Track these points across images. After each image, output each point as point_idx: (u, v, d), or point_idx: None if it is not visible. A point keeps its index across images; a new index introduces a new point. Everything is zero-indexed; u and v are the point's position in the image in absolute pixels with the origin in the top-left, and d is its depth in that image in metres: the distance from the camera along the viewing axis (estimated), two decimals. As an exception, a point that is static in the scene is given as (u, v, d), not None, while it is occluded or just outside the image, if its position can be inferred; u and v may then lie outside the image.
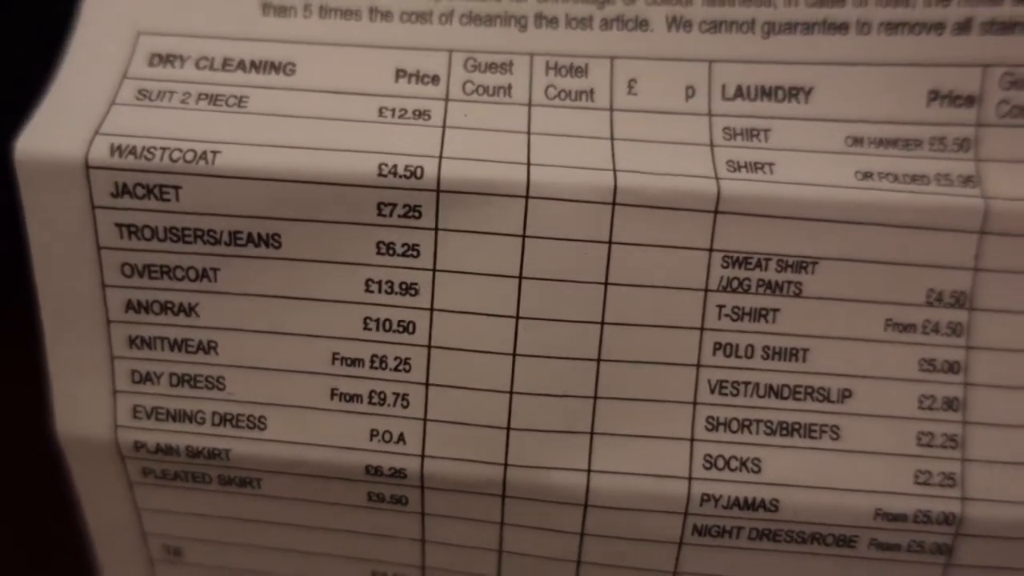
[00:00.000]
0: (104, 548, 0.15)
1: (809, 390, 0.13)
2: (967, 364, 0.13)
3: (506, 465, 0.13)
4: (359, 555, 0.14)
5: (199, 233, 0.13)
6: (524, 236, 0.13)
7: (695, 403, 0.13)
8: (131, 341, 0.13)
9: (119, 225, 0.13)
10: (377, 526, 0.14)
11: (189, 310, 0.13)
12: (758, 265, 0.13)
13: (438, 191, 0.12)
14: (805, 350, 0.13)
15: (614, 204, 0.13)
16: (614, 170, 0.13)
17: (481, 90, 0.13)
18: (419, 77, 0.13)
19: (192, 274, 0.13)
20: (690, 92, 0.13)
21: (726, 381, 0.13)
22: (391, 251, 0.13)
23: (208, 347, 0.13)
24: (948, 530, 0.13)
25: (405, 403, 0.13)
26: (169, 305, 0.13)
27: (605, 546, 0.14)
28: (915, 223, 0.13)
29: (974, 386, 0.13)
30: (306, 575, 0.15)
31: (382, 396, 0.13)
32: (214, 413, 0.13)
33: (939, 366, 0.13)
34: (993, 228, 0.13)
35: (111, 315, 0.13)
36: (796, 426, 0.13)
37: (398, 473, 0.13)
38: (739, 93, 0.13)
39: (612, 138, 0.13)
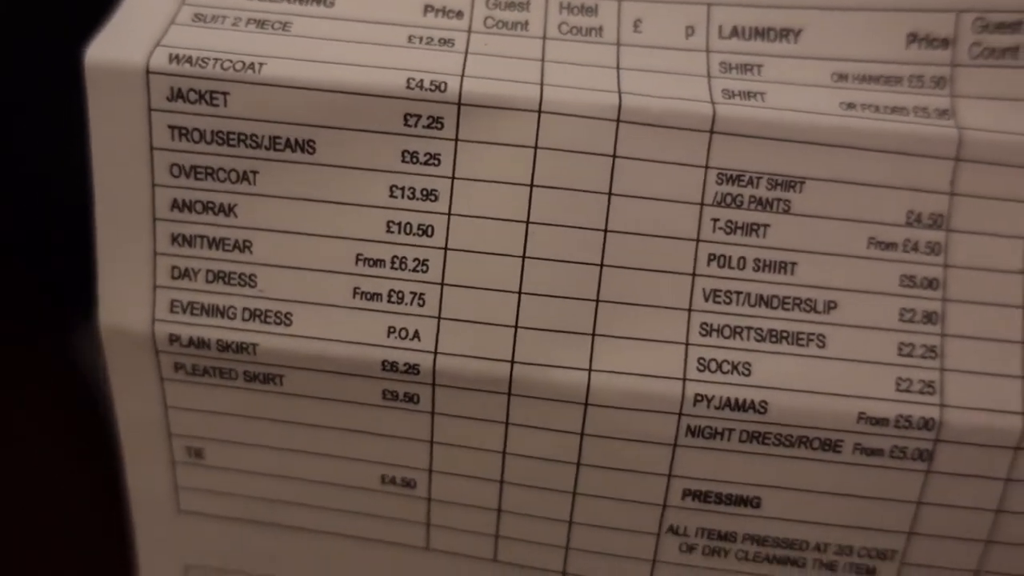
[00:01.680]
0: (131, 448, 0.16)
1: (797, 301, 0.14)
2: (945, 281, 0.14)
3: (512, 362, 0.14)
4: (370, 458, 0.15)
5: (242, 137, 0.14)
6: (536, 148, 0.14)
7: (690, 310, 0.14)
8: (173, 238, 0.14)
9: (172, 127, 0.14)
10: (389, 427, 0.15)
11: (228, 210, 0.14)
12: (750, 183, 0.14)
13: (459, 104, 0.14)
14: (793, 263, 0.14)
15: (618, 121, 0.14)
16: (619, 92, 0.14)
17: (500, 24, 0.15)
18: (445, 12, 0.15)
19: (233, 176, 0.14)
20: (690, 31, 0.15)
21: (719, 290, 0.14)
22: (415, 159, 0.14)
23: (243, 246, 0.14)
24: (928, 436, 0.14)
25: (421, 302, 0.14)
26: (210, 205, 0.14)
27: (604, 448, 0.15)
28: (895, 149, 0.14)
29: (951, 301, 0.14)
30: (319, 479, 0.16)
31: (400, 295, 0.14)
32: (244, 309, 0.15)
33: (919, 282, 0.14)
34: (967, 156, 0.14)
35: (158, 213, 0.14)
36: (784, 334, 0.14)
37: (412, 369, 0.14)
38: (735, 33, 0.15)
39: (618, 68, 0.14)
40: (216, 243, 0.15)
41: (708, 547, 0.15)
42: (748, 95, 0.14)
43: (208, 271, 0.15)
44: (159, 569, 0.17)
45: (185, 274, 0.15)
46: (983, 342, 0.14)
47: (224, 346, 0.15)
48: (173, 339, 0.15)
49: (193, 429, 0.16)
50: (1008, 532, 0.14)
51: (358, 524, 0.16)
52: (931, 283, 0.14)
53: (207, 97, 0.14)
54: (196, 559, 0.17)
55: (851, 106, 0.14)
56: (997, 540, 0.15)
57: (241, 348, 0.15)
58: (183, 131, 0.14)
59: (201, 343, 0.15)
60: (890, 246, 0.14)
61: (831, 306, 0.14)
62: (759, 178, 0.14)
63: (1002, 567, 0.15)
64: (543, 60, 0.14)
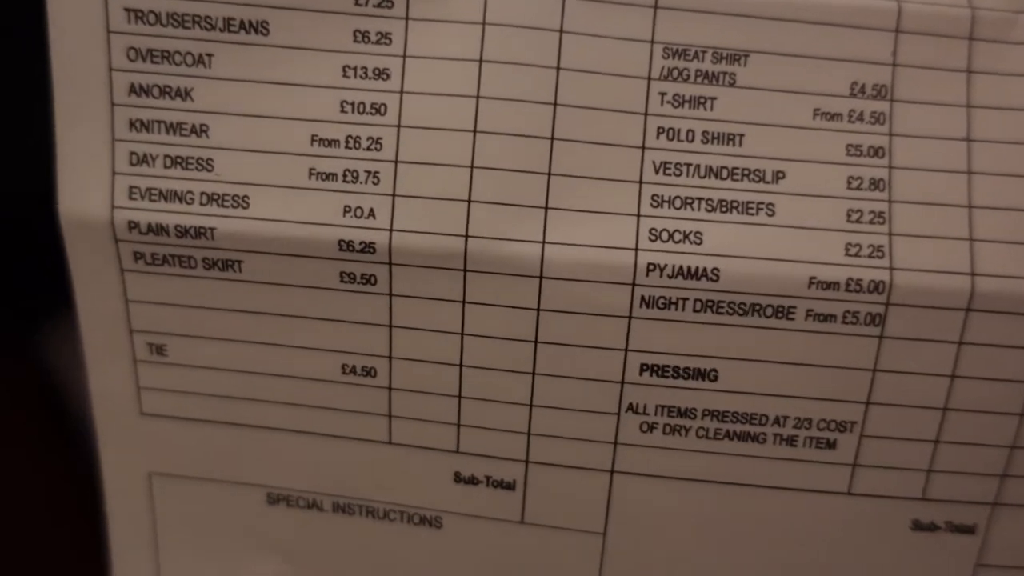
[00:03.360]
0: (93, 350, 0.16)
1: (745, 171, 0.14)
2: (891, 149, 0.14)
3: (467, 236, 0.14)
4: (331, 346, 0.15)
5: (197, 19, 0.14)
6: (484, 24, 0.14)
7: (641, 182, 0.14)
8: (131, 124, 0.15)
9: (127, 10, 0.14)
10: (348, 312, 0.15)
11: (185, 94, 0.15)
12: (695, 56, 0.14)
13: (409, -17, 0.14)
14: (741, 135, 0.14)
15: (564, -3, 0.14)
16: (565, -29, 0.14)
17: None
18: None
19: (189, 59, 0.14)
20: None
21: (669, 162, 0.14)
22: (366, 39, 0.14)
23: (200, 130, 0.15)
24: (879, 299, 0.14)
25: (376, 180, 0.14)
26: (167, 89, 0.15)
27: (560, 323, 0.15)
28: (837, 21, 0.14)
29: (897, 169, 0.14)
30: (280, 372, 0.16)
31: (355, 174, 0.15)
32: (202, 193, 0.15)
33: (865, 151, 0.14)
34: (908, 28, 0.14)
35: (115, 98, 0.15)
36: (734, 203, 0.14)
37: (368, 248, 0.14)
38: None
39: (565, -49, 0.15)
40: (173, 128, 0.15)
41: (668, 425, 0.15)
42: (692, -26, 0.15)
43: (166, 156, 0.15)
44: (122, 478, 0.17)
45: (143, 160, 0.15)
46: (930, 207, 0.14)
47: (182, 231, 0.15)
48: (132, 226, 0.15)
49: (154, 324, 0.16)
50: (963, 398, 0.14)
51: (320, 420, 0.16)
52: (877, 151, 0.14)
53: (162, -21, 0.14)
54: (159, 466, 0.17)
55: (793, -17, 0.15)
56: (953, 407, 0.15)
57: (199, 233, 0.15)
58: (139, 14, 0.14)
59: (160, 229, 0.15)
60: (835, 116, 0.14)
61: (779, 176, 0.14)
62: (704, 52, 0.14)
63: (960, 435, 0.15)
64: (492, -54, 0.15)
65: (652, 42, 0.14)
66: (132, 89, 0.15)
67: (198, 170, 0.15)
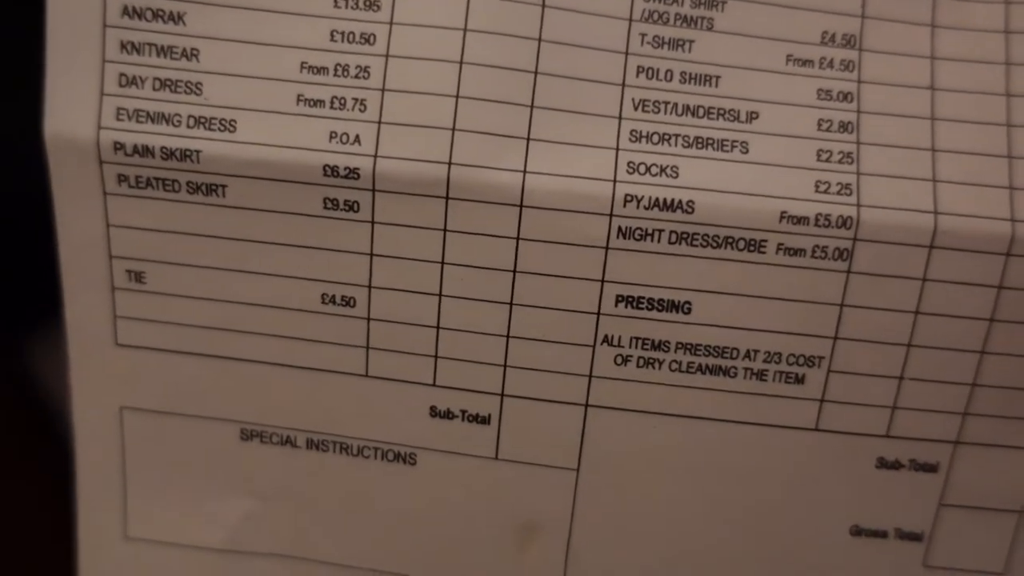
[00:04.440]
0: (70, 275, 0.16)
1: (721, 111, 0.15)
2: (859, 95, 0.15)
3: (450, 164, 0.15)
4: (311, 275, 0.15)
5: (193, -56, 0.15)
6: (473, -40, 0.15)
7: (620, 118, 0.15)
8: (123, 46, 0.15)
9: (124, -67, 0.15)
10: (330, 239, 0.15)
11: (177, 18, 0.15)
12: (675, 1, 0.15)
13: (401, -82, 0.15)
14: (717, 77, 0.15)
15: (551, -61, 0.15)
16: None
17: None
18: None
19: (183, -16, 0.15)
20: None
21: (648, 100, 0.15)
22: (358, -30, 0.15)
23: (191, 54, 0.15)
24: (847, 234, 0.15)
25: (363, 107, 0.15)
26: (160, 13, 0.15)
27: (539, 253, 0.15)
28: (809, -27, 0.15)
29: (865, 113, 0.15)
30: (259, 301, 0.16)
31: (342, 101, 0.15)
32: (189, 116, 0.15)
33: (835, 96, 0.15)
34: (875, -18, 0.15)
35: (108, 19, 0.15)
36: (710, 140, 0.15)
37: (352, 173, 0.15)
38: None
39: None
40: (164, 51, 0.15)
41: (642, 358, 0.15)
42: (672, -74, 0.15)
43: (155, 79, 0.15)
44: (93, 412, 0.17)
45: (132, 82, 0.15)
46: (895, 149, 0.15)
47: (168, 153, 0.15)
48: (118, 147, 0.15)
49: (134, 250, 0.16)
50: (927, 335, 0.15)
51: (298, 352, 0.16)
52: (846, 96, 0.15)
53: (160, -96, 0.14)
54: (131, 400, 0.17)
55: (768, -62, 0.15)
56: (917, 344, 0.15)
57: (185, 155, 0.15)
58: (136, -63, 0.15)
59: (145, 151, 0.15)
60: (807, 63, 0.15)
61: (753, 116, 0.15)
62: (683, -3, 0.15)
63: (923, 372, 0.15)
64: None
65: None
66: (125, 11, 0.15)
67: (187, 93, 0.15)
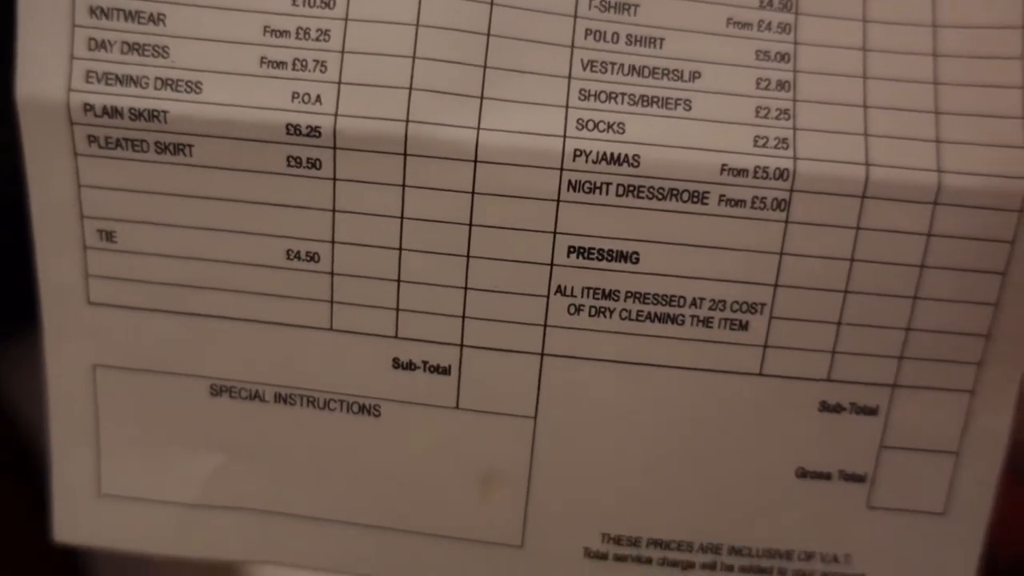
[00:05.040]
0: (42, 236, 0.17)
1: (665, 71, 0.16)
2: (795, 55, 0.16)
3: (407, 121, 0.15)
4: (276, 232, 0.16)
5: (159, -87, 0.15)
6: (428, -72, 0.15)
7: (570, 77, 0.16)
8: (92, 11, 0.15)
9: (92, -99, 0.15)
10: (294, 196, 0.16)
11: (144, -16, 0.16)
12: (621, -33, 0.16)
13: None
14: (661, 39, 0.16)
15: (502, -91, 0.15)
16: None
17: None
18: None
19: (149, -49, 0.15)
20: None
21: (596, 61, 0.16)
22: (318, -62, 0.15)
23: (158, 18, 0.15)
24: (784, 186, 0.15)
25: (323, 69, 0.15)
26: (127, -21, 0.15)
27: (493, 206, 0.16)
28: (745, -59, 0.16)
29: (801, 72, 0.16)
30: (226, 258, 0.16)
31: (304, 63, 0.15)
32: (157, 78, 0.15)
33: (772, 56, 0.16)
34: (810, -50, 0.16)
35: (77, -14, 0.15)
36: (655, 99, 0.16)
37: (314, 131, 0.15)
38: None
39: None
40: (132, 15, 0.16)
41: (594, 307, 0.16)
42: None
43: (123, 43, 0.16)
44: (66, 371, 0.17)
45: (101, 45, 0.16)
46: (830, 106, 0.16)
47: (136, 114, 0.16)
48: (87, 108, 0.16)
49: (105, 210, 0.16)
50: (862, 281, 0.16)
51: (264, 307, 0.17)
52: (783, 57, 0.16)
53: None
54: (104, 358, 0.17)
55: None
56: (853, 290, 0.16)
57: (153, 116, 0.16)
58: (104, -94, 0.15)
59: (114, 111, 0.16)
60: (746, 25, 0.16)
61: (695, 75, 0.16)
62: (628, -37, 0.16)
63: (859, 318, 0.16)
64: None
65: None
66: (93, -23, 0.15)
67: (154, 56, 0.16)
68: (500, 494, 0.17)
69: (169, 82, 0.16)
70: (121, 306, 0.17)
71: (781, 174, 0.15)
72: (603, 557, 0.18)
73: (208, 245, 0.16)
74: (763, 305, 0.16)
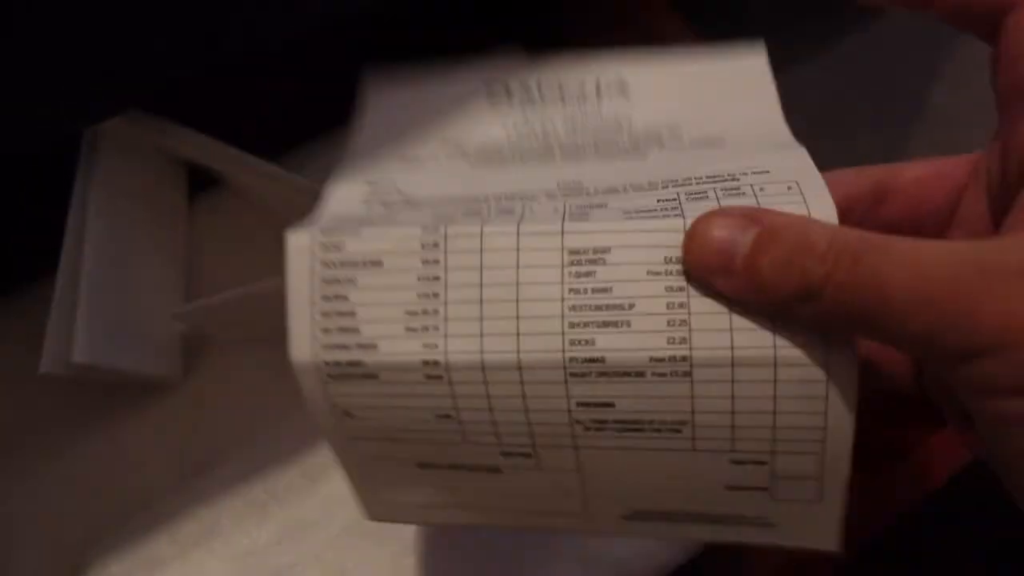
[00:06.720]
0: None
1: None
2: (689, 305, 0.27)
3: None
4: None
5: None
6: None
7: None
8: (325, 314, 0.30)
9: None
10: None
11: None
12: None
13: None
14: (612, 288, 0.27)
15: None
16: None
17: None
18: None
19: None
20: None
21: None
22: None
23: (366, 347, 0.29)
24: (684, 366, 0.27)
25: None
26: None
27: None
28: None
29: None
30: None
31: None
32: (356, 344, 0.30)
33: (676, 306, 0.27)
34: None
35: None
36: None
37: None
38: None
39: None
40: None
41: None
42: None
43: (339, 328, 0.30)
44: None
45: (327, 331, 0.30)
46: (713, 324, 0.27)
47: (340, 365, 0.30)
48: (327, 364, 0.30)
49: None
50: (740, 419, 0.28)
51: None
52: (682, 306, 0.27)
53: None
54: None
55: None
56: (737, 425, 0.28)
57: (352, 364, 0.30)
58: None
59: (335, 364, 0.30)
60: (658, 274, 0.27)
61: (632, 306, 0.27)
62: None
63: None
64: None
65: None
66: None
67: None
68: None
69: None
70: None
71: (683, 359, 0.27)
72: (631, 519, 0.32)
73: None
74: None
